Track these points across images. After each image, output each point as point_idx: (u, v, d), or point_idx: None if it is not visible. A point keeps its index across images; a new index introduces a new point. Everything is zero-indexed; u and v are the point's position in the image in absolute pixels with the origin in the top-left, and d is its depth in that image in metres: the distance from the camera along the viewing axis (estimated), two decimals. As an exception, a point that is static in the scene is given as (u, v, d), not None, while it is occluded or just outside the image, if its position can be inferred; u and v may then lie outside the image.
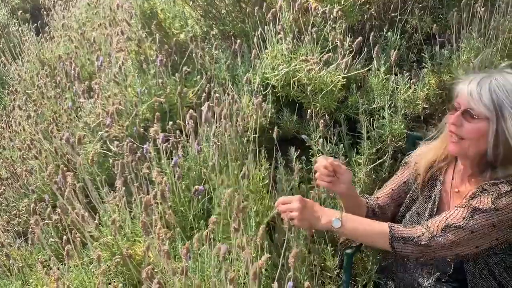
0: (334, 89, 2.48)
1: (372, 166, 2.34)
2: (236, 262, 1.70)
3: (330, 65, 2.51)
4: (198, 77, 2.70)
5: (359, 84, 2.64)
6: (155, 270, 1.71)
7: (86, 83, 3.03)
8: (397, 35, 2.69)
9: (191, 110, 2.18)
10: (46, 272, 2.03)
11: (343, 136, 2.42)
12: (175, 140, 2.22)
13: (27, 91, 3.70)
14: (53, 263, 1.99)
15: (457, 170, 1.78)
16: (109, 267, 1.96)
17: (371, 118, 2.43)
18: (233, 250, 1.67)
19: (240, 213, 1.61)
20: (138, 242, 2.08)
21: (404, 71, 2.57)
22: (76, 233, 1.95)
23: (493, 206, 1.56)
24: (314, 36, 2.58)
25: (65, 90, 3.20)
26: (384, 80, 2.51)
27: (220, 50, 2.79)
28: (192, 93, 2.65)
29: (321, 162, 1.75)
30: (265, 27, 2.64)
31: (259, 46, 2.65)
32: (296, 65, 2.52)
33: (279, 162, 2.23)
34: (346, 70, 2.51)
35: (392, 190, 1.89)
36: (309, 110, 2.41)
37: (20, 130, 3.24)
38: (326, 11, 2.62)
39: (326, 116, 2.44)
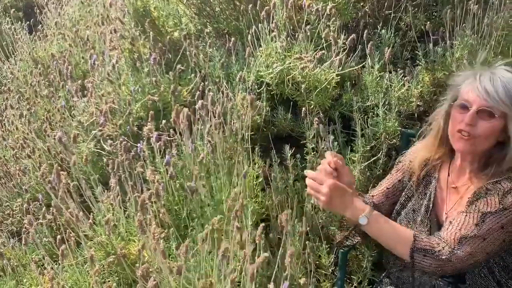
0: (328, 87, 2.48)
1: (366, 163, 2.35)
2: (233, 261, 1.70)
3: (324, 62, 2.51)
4: (192, 75, 2.69)
5: (353, 81, 2.64)
6: (150, 269, 1.70)
7: (80, 82, 3.02)
8: (391, 32, 2.69)
9: (185, 109, 2.18)
10: (40, 271, 2.02)
11: (337, 134, 2.42)
12: (168, 138, 2.22)
13: (20, 89, 3.68)
14: (47, 263, 1.98)
15: (453, 166, 1.78)
16: (103, 266, 1.95)
17: (365, 116, 2.43)
18: (231, 249, 1.66)
19: (238, 212, 1.60)
20: (132, 241, 2.08)
21: (398, 69, 2.58)
22: (71, 233, 1.95)
23: (501, 206, 1.55)
24: (308, 33, 2.58)
25: (58, 88, 3.18)
26: (378, 78, 2.51)
27: (214, 48, 2.78)
28: (186, 92, 2.64)
29: (328, 158, 1.71)
30: (259, 25, 2.64)
31: (253, 44, 2.65)
32: (290, 63, 2.52)
33: (273, 160, 2.23)
34: (340, 68, 2.51)
35: (387, 188, 1.88)
36: (303, 108, 2.41)
37: (13, 129, 3.22)
38: (320, 9, 2.61)
39: (321, 114, 2.44)
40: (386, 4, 2.89)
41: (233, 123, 2.22)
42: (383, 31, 2.70)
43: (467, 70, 1.76)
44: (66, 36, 3.82)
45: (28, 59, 4.03)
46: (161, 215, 1.94)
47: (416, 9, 2.86)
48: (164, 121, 2.32)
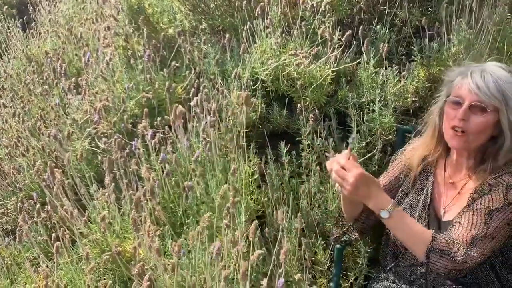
0: (324, 83, 2.47)
1: (362, 159, 2.34)
2: (226, 258, 1.69)
3: (319, 59, 2.51)
4: (187, 72, 2.68)
5: (349, 78, 2.63)
6: (146, 267, 1.70)
7: (74, 79, 3.00)
8: (386, 28, 2.68)
9: (179, 106, 2.17)
10: (35, 270, 2.01)
11: (333, 130, 2.42)
12: (163, 136, 2.21)
13: (13, 88, 3.66)
14: (42, 261, 1.98)
15: (449, 162, 1.79)
16: (98, 264, 1.95)
17: (361, 112, 2.43)
18: (224, 246, 1.66)
19: (230, 209, 1.60)
20: (127, 239, 2.07)
21: (394, 65, 2.57)
22: (65, 230, 1.94)
23: (506, 201, 1.58)
24: (303, 30, 2.57)
25: (52, 86, 3.17)
26: (374, 74, 2.51)
27: (209, 45, 2.77)
28: (181, 89, 2.63)
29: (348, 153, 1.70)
30: (254, 21, 2.63)
31: (248, 41, 2.64)
32: (285, 59, 2.51)
33: (269, 157, 2.22)
34: (336, 64, 2.50)
35: (384, 186, 1.88)
36: (299, 105, 2.41)
37: (7, 127, 3.21)
38: (315, 5, 2.61)
39: (316, 110, 2.44)
40: (381, 0, 2.88)
41: (228, 120, 2.22)
42: (378, 27, 2.69)
43: (460, 67, 1.77)
44: (59, 34, 3.79)
45: (21, 57, 4.00)
46: (156, 212, 1.94)
47: (411, 4, 2.85)
48: (159, 119, 2.31)
